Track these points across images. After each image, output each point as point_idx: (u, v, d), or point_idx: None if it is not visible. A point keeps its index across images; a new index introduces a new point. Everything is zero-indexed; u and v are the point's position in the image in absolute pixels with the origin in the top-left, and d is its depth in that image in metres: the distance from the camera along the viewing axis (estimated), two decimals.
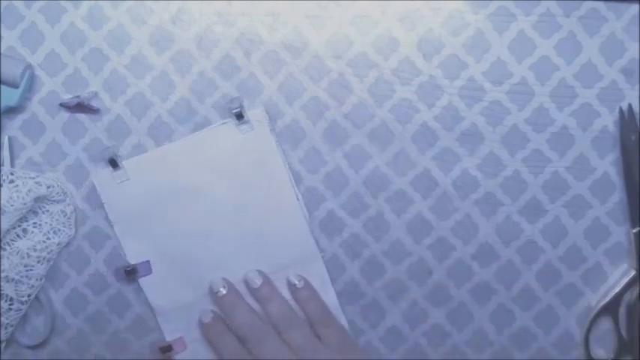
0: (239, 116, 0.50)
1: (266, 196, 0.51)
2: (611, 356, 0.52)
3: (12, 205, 0.50)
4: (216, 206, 0.51)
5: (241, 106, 0.50)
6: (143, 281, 0.52)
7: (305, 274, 0.52)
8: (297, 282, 0.51)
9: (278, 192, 0.51)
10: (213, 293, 0.51)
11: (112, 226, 0.52)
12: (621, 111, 0.50)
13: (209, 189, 0.51)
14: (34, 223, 0.52)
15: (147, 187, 0.51)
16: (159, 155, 0.51)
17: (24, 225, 0.52)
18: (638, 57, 0.50)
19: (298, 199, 0.51)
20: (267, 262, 0.51)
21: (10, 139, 0.52)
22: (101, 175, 0.51)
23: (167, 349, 0.52)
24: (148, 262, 0.52)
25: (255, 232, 0.51)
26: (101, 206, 0.53)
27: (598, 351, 0.53)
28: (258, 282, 0.51)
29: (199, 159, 0.51)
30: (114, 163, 0.51)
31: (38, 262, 0.52)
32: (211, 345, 0.51)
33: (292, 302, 0.52)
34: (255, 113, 0.51)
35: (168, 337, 0.53)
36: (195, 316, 0.52)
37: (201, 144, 0.51)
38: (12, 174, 0.51)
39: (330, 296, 0.52)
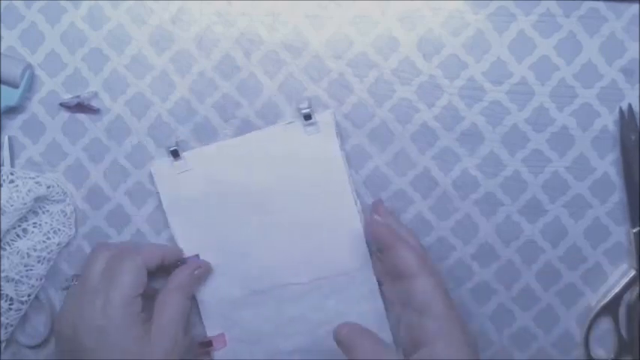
0: (307, 117, 0.50)
1: (325, 198, 0.50)
2: (611, 356, 0.52)
3: (12, 205, 0.50)
4: (273, 204, 0.51)
5: (311, 107, 0.50)
6: None
7: (354, 279, 0.51)
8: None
9: (337, 196, 0.50)
10: (371, 218, 0.50)
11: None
12: (621, 111, 0.50)
13: (268, 187, 0.50)
14: (34, 223, 0.52)
15: (205, 180, 0.51)
16: (220, 149, 0.51)
17: (24, 225, 0.52)
18: (638, 57, 0.50)
19: (356, 204, 0.51)
20: (320, 265, 0.51)
21: (10, 139, 0.52)
22: (160, 164, 0.51)
23: (207, 344, 0.52)
24: (197, 256, 0.51)
25: (310, 234, 0.51)
26: (100, 206, 0.53)
27: (598, 351, 0.53)
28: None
29: (261, 156, 0.50)
30: (175, 153, 0.51)
31: (38, 261, 0.52)
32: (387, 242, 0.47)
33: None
34: (323, 115, 0.50)
35: (210, 333, 0.52)
36: (240, 314, 0.52)
37: (265, 141, 0.51)
38: (12, 174, 0.51)
39: (377, 305, 0.51)
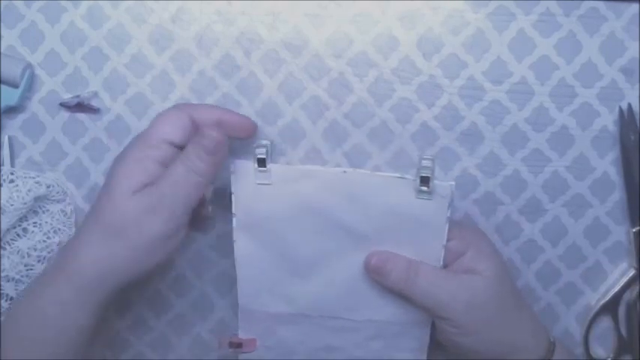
0: (424, 180, 0.45)
1: (408, 253, 0.47)
2: (611, 355, 0.52)
3: (12, 205, 0.50)
4: (350, 242, 0.48)
5: (432, 172, 0.45)
6: (240, 280, 0.50)
7: (409, 331, 0.49)
8: None
9: (422, 256, 0.47)
10: None
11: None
12: (621, 110, 0.50)
13: (350, 224, 0.47)
14: (35, 223, 0.52)
15: (284, 198, 0.47)
16: (311, 174, 0.47)
17: (24, 224, 0.52)
18: (638, 56, 0.50)
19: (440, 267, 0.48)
20: (378, 308, 0.49)
21: (10, 138, 0.52)
22: (242, 165, 0.47)
23: (237, 345, 0.51)
24: None
25: (374, 286, 0.48)
26: None
27: (598, 350, 0.53)
28: None
29: (356, 195, 0.46)
30: (262, 162, 0.47)
31: (38, 261, 0.52)
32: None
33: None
34: (441, 187, 0.45)
35: (242, 335, 0.51)
36: (279, 328, 0.50)
37: (367, 184, 0.46)
38: (12, 173, 0.51)
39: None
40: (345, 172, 0.47)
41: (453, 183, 0.45)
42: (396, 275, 0.46)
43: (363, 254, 0.48)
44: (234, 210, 0.48)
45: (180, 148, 0.44)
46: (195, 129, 0.45)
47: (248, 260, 0.49)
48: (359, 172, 0.47)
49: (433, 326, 0.49)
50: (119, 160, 0.44)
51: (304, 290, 0.49)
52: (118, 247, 0.42)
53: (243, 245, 0.49)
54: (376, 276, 0.47)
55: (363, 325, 0.50)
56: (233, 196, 0.48)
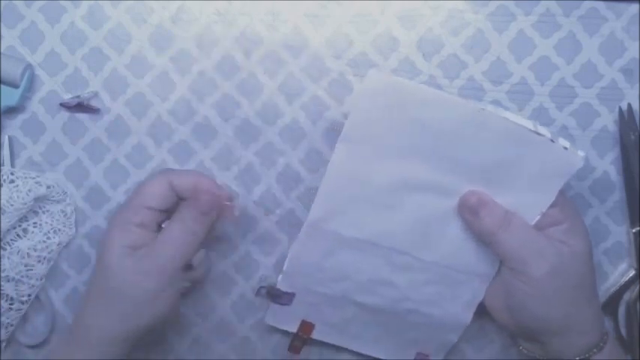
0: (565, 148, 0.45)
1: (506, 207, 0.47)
2: None
3: (12, 205, 0.50)
4: (444, 184, 0.46)
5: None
6: (321, 192, 0.48)
7: (467, 282, 0.49)
8: None
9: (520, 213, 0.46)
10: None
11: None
12: (621, 110, 0.50)
13: (457, 166, 0.46)
14: (35, 223, 0.52)
15: (404, 119, 0.45)
16: (444, 101, 0.45)
17: (24, 225, 0.52)
18: (637, 56, 0.50)
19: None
20: (448, 253, 0.48)
21: (10, 138, 0.52)
22: (376, 77, 0.45)
23: (276, 295, 0.51)
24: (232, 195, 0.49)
25: (460, 224, 0.47)
26: (100, 206, 0.53)
27: None
28: None
29: (477, 135, 0.45)
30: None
31: (38, 261, 0.52)
32: None
33: None
34: (576, 155, 0.44)
35: (281, 288, 0.51)
36: (342, 252, 0.49)
37: (494, 127, 0.45)
38: (12, 174, 0.51)
39: (466, 315, 0.50)
40: (482, 109, 0.45)
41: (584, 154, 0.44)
42: (490, 220, 0.46)
43: (457, 194, 0.47)
44: (348, 118, 0.46)
45: (162, 211, 0.47)
46: (175, 192, 0.47)
47: (337, 173, 0.47)
48: (495, 115, 0.45)
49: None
50: (109, 224, 0.47)
51: (382, 218, 0.48)
52: (119, 306, 0.45)
53: (339, 157, 0.47)
54: (470, 215, 0.46)
55: (428, 267, 0.48)
56: (353, 105, 0.46)
